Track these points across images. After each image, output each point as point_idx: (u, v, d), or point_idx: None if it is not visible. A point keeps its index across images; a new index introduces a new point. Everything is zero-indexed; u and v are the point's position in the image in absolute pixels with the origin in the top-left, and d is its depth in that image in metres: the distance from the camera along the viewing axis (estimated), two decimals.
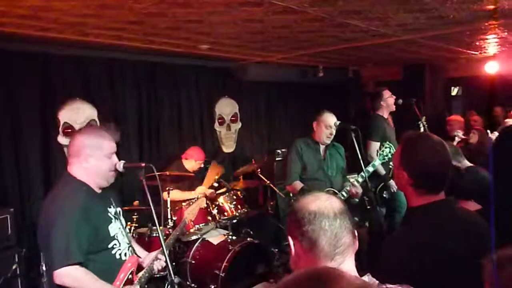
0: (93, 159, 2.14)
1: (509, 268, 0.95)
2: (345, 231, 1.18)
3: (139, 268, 2.32)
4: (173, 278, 2.04)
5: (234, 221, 4.45)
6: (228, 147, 6.08)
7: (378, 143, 4.20)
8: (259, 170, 5.07)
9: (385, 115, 4.67)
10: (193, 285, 3.90)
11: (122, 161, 2.30)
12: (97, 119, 4.56)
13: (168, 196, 3.95)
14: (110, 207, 2.24)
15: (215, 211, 4.24)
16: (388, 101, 4.65)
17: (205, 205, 2.76)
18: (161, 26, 3.27)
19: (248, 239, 4.11)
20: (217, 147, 5.91)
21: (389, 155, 3.66)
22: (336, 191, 3.61)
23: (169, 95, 5.24)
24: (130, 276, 2.22)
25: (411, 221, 1.63)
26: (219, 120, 5.90)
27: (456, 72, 6.82)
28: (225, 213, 4.28)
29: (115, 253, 2.16)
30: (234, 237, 4.09)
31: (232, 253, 3.75)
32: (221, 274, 3.65)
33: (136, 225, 3.96)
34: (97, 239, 2.07)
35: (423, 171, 1.57)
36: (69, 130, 4.34)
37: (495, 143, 2.81)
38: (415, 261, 1.41)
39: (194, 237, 4.11)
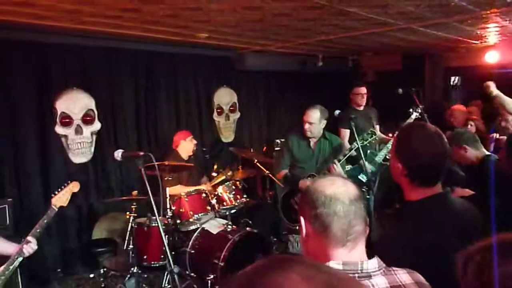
0: None
1: (477, 257, 0.96)
2: (359, 218, 1.16)
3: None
4: (172, 267, 2.03)
5: (233, 211, 4.45)
6: (227, 137, 6.06)
7: (348, 131, 4.53)
8: (257, 160, 5.06)
9: (357, 107, 4.88)
10: (192, 274, 3.91)
11: (121, 150, 2.28)
12: (94, 109, 4.52)
13: (166, 189, 3.94)
14: None
15: (214, 201, 4.23)
16: (355, 98, 4.88)
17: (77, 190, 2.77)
18: (159, 14, 3.22)
19: (247, 228, 4.12)
20: (215, 137, 5.89)
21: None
22: None
23: (167, 84, 5.20)
24: None
25: (407, 218, 1.60)
26: (218, 110, 5.87)
27: (455, 62, 6.77)
28: (224, 203, 4.27)
29: None
30: (233, 227, 4.09)
31: (231, 243, 3.75)
32: (220, 263, 3.66)
33: (135, 215, 3.95)
34: None
35: (416, 163, 1.55)
36: (67, 120, 4.31)
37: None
38: (415, 261, 1.39)
39: (193, 227, 4.11)
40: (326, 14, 3.39)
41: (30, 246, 2.36)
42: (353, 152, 3.86)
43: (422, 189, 1.55)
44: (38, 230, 2.43)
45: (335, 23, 3.79)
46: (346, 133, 4.60)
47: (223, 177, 4.57)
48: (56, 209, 2.56)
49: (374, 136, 3.83)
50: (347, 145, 4.38)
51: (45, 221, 2.47)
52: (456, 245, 1.42)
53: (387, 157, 4.00)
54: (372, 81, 6.76)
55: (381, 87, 5.79)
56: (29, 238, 2.38)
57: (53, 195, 2.59)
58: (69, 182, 2.70)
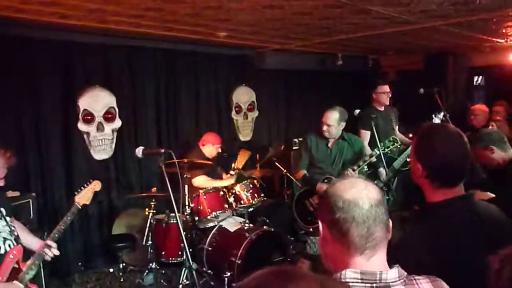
0: None
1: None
2: (379, 224, 1.10)
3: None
4: (191, 263, 2.05)
5: (251, 209, 4.46)
6: (245, 136, 6.07)
7: (369, 132, 4.31)
8: (275, 158, 5.06)
9: (379, 107, 4.68)
10: (209, 271, 3.94)
11: (141, 147, 2.31)
12: (115, 107, 4.60)
13: (188, 183, 3.99)
14: None
15: (231, 199, 4.25)
16: (380, 97, 4.65)
17: (100, 188, 2.79)
18: (180, 13, 3.25)
19: (264, 227, 4.12)
20: (233, 135, 5.91)
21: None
22: None
23: (187, 82, 5.24)
24: (16, 265, 2.29)
25: (429, 220, 1.57)
26: (236, 109, 5.89)
27: (479, 61, 6.62)
28: (242, 201, 4.28)
29: None
30: (250, 225, 4.11)
31: (249, 241, 3.76)
32: (237, 261, 3.68)
33: (154, 211, 4.01)
34: None
35: (437, 164, 1.51)
36: (89, 117, 4.40)
37: None
38: (434, 264, 1.36)
39: (210, 224, 4.14)
40: (347, 13, 3.36)
41: (52, 251, 2.41)
42: (373, 158, 3.80)
43: (442, 190, 1.51)
44: (62, 227, 2.48)
45: (356, 22, 3.75)
46: (367, 134, 4.46)
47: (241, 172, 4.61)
48: (80, 207, 2.60)
49: (396, 144, 3.73)
50: (367, 148, 4.32)
51: (69, 218, 2.52)
52: (478, 249, 1.40)
53: (407, 160, 3.91)
54: (392, 81, 6.67)
55: (402, 86, 5.70)
56: (49, 242, 2.42)
57: (76, 193, 2.64)
58: (91, 180, 2.74)
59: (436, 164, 1.51)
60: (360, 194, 1.10)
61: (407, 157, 4.09)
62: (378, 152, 3.68)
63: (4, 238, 2.30)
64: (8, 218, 2.37)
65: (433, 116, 4.70)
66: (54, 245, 2.40)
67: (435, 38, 4.76)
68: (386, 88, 4.70)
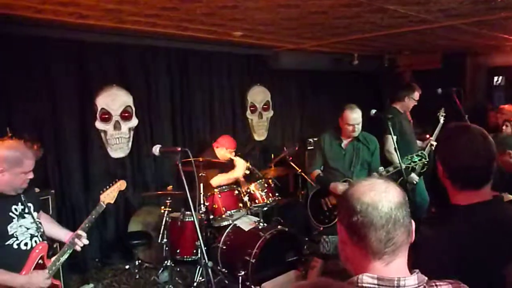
0: (8, 174, 2.18)
1: None
2: (399, 228, 1.05)
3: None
4: (207, 261, 2.06)
5: (265, 208, 4.47)
6: (260, 135, 6.08)
7: (395, 137, 4.05)
8: (290, 158, 5.05)
9: (401, 109, 4.58)
10: (223, 270, 3.95)
11: (158, 145, 2.34)
12: (132, 106, 4.66)
13: (202, 181, 4.01)
14: (16, 205, 2.30)
15: (246, 198, 4.26)
16: (410, 103, 4.57)
17: (125, 188, 2.80)
18: (196, 12, 3.27)
19: (279, 226, 4.12)
20: (248, 135, 5.92)
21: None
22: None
23: (201, 82, 5.27)
24: (40, 261, 2.32)
25: (451, 223, 1.52)
26: (251, 108, 5.90)
27: (499, 61, 6.48)
28: (256, 201, 4.29)
29: (12, 244, 2.23)
30: (265, 224, 4.11)
31: (263, 240, 3.76)
32: (251, 260, 3.68)
33: (169, 209, 4.04)
34: None
35: (455, 165, 1.50)
36: (106, 116, 4.46)
37: None
38: (456, 267, 1.33)
39: (225, 223, 4.16)
40: (363, 12, 3.33)
41: (82, 241, 2.46)
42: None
43: (466, 192, 1.48)
44: (86, 225, 2.52)
45: (372, 21, 3.72)
46: (389, 138, 4.17)
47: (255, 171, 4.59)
48: (104, 205, 2.64)
49: (423, 160, 3.58)
50: (394, 154, 4.17)
51: (93, 216, 2.56)
52: (504, 255, 1.36)
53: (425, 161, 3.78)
54: (409, 81, 6.58)
55: (419, 86, 5.63)
56: (80, 232, 2.47)
57: (101, 191, 2.68)
58: (117, 180, 2.77)
59: (455, 167, 1.50)
60: (379, 197, 1.07)
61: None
62: (404, 166, 3.53)
63: (31, 234, 2.34)
64: (35, 214, 2.40)
65: (438, 114, 4.64)
66: (84, 234, 2.45)
67: (453, 37, 4.68)
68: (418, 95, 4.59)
